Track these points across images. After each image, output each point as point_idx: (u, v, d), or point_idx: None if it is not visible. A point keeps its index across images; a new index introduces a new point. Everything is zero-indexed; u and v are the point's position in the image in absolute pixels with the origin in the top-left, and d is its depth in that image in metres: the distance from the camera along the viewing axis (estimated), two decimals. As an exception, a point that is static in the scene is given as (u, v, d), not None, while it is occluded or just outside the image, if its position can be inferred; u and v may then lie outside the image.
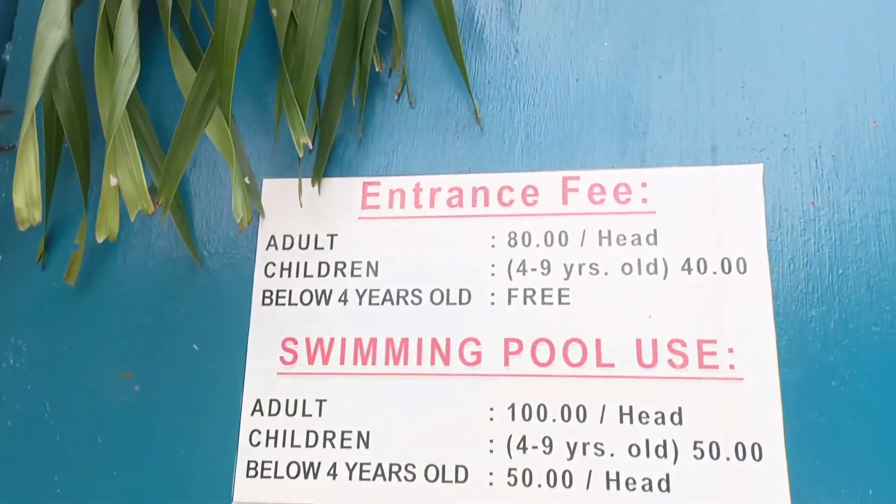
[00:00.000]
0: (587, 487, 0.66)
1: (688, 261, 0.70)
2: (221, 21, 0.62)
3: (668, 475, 0.65)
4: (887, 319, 0.66)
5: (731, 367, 0.67)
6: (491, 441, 0.69)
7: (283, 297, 0.75)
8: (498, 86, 0.78)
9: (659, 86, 0.76)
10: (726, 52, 0.76)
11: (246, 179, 0.77)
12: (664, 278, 0.70)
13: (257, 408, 0.73)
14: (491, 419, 0.69)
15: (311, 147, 0.69)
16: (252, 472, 0.71)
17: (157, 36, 0.80)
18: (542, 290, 0.71)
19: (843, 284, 0.67)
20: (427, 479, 0.69)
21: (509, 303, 0.72)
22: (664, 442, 0.66)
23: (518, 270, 0.72)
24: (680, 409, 0.67)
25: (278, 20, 0.75)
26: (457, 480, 0.68)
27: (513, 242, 0.73)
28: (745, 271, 0.69)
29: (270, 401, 0.73)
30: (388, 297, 0.74)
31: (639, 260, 0.71)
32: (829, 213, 0.70)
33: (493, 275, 0.73)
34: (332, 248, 0.76)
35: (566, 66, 0.78)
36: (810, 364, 0.66)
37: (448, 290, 0.73)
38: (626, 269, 0.71)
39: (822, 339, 0.66)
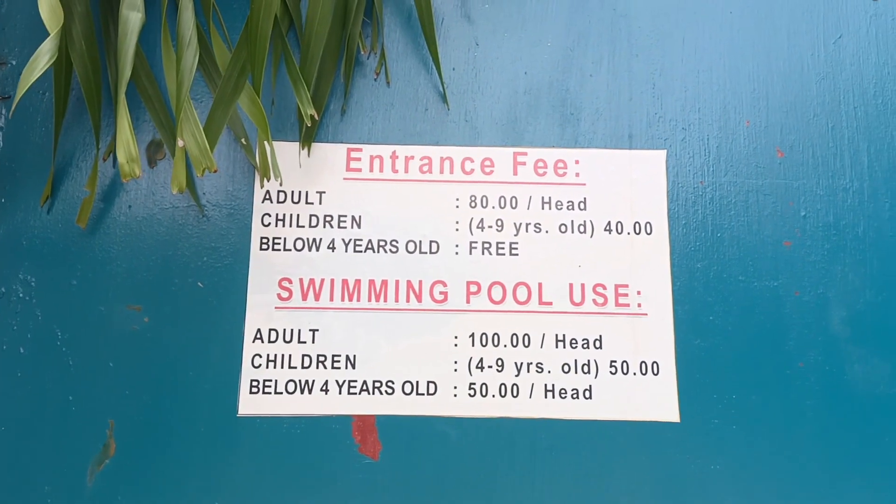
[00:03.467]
0: (530, 396, 0.85)
1: (609, 223, 0.90)
2: (256, 8, 0.74)
3: (590, 386, 0.86)
4: (749, 271, 0.89)
5: (639, 305, 0.88)
6: (455, 362, 0.86)
7: (279, 243, 0.88)
8: (461, 72, 0.94)
9: (590, 83, 0.94)
10: (641, 59, 0.95)
11: (242, 140, 0.89)
12: (591, 236, 0.89)
13: (258, 336, 0.86)
14: (455, 345, 0.86)
15: (317, 118, 0.82)
16: (255, 390, 0.85)
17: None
18: (497, 243, 0.89)
19: (720, 244, 0.90)
20: (404, 392, 0.85)
21: (470, 253, 0.89)
22: (588, 361, 0.86)
23: (477, 227, 0.89)
24: (600, 336, 0.87)
25: (292, 7, 0.87)
26: (428, 393, 0.85)
27: (473, 204, 0.90)
28: (651, 232, 0.90)
29: (269, 330, 0.86)
30: (370, 246, 0.89)
31: (572, 221, 0.90)
32: (712, 190, 0.92)
33: (457, 230, 0.89)
34: (320, 203, 0.90)
35: (517, 60, 0.95)
36: (695, 303, 0.88)
37: (420, 242, 0.89)
38: (562, 228, 0.90)
39: (704, 285, 0.88)
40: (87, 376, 0.85)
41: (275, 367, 0.85)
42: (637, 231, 0.90)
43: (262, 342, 0.86)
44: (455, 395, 0.85)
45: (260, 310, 0.87)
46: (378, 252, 0.88)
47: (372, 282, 0.88)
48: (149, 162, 0.90)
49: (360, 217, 0.89)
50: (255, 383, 0.85)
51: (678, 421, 0.85)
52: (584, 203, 0.90)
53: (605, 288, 0.88)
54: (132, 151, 0.67)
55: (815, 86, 0.95)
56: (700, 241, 0.90)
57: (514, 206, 0.90)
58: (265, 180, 0.78)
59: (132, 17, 0.69)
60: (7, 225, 0.88)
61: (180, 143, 0.68)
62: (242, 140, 0.89)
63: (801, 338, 0.87)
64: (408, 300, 0.87)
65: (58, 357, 0.85)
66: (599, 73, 0.95)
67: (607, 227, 0.90)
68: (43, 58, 0.68)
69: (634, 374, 0.86)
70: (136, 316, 0.86)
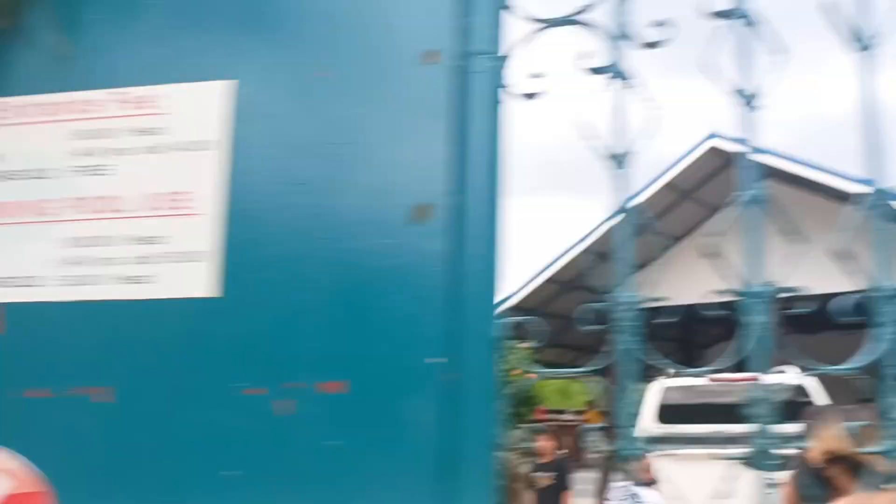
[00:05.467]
0: (108, 284, 1.09)
1: (181, 143, 1.11)
2: None
3: (154, 273, 1.08)
4: (293, 178, 1.08)
5: (196, 206, 1.09)
6: (61, 260, 1.11)
7: (-57, 179, 1.16)
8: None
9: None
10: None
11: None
12: (166, 155, 1.11)
13: (-73, 250, 1.15)
14: (62, 247, 1.12)
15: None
16: None
17: None
18: (97, 166, 1.13)
19: (272, 158, 1.09)
20: (23, 286, 1.11)
21: (78, 176, 1.13)
22: (153, 254, 1.09)
23: (84, 155, 1.13)
24: (165, 234, 1.09)
25: None
26: (39, 285, 1.11)
27: (82, 137, 1.14)
28: (215, 149, 1.10)
29: (-66, 245, 1.15)
30: (9, 176, 1.15)
31: (155, 145, 1.12)
32: (290, 114, 1.10)
33: (71, 158, 1.14)
34: (-27, 146, 1.17)
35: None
36: (244, 204, 1.08)
37: (42, 170, 1.14)
38: (147, 150, 1.12)
39: (254, 189, 1.08)
40: None
41: (-62, 272, 1.14)
42: (204, 148, 1.10)
43: (-69, 254, 1.15)
44: (61, 286, 1.10)
45: (-71, 230, 1.15)
46: (12, 180, 1.15)
47: (7, 203, 1.14)
48: None
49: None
50: None
51: (222, 296, 1.06)
52: (166, 129, 1.12)
53: (173, 196, 1.10)
54: None
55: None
56: (255, 155, 1.09)
57: (110, 136, 1.13)
58: None
59: None
60: None
61: None
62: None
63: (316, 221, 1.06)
64: (34, 216, 1.13)
65: None
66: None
67: (180, 147, 1.11)
68: None
69: (188, 262, 1.08)
70: None
